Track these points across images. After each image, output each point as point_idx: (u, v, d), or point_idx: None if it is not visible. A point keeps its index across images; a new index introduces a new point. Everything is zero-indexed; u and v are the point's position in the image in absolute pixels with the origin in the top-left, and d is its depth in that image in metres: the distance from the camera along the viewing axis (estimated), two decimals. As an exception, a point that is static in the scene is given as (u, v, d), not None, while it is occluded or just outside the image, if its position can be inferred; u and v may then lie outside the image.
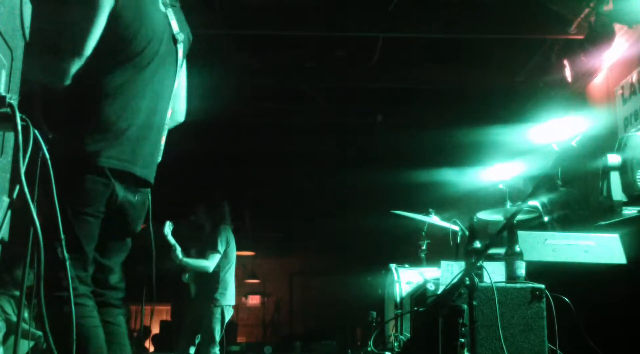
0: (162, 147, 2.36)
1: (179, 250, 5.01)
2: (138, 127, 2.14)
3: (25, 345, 4.01)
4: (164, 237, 4.91)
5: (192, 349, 5.15)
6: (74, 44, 2.00)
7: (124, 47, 2.11)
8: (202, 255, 5.16)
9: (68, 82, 2.00)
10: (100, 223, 2.12)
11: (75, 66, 2.00)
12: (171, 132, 2.44)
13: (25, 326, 4.21)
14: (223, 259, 5.19)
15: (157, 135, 2.29)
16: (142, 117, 2.16)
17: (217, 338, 5.11)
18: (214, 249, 5.10)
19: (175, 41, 2.33)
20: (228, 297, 5.24)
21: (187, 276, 5.33)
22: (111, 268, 2.25)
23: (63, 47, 1.99)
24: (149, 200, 2.33)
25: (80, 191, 2.03)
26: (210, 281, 5.17)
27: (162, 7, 2.27)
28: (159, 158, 2.35)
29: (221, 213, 5.37)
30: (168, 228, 4.97)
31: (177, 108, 2.49)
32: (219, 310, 5.14)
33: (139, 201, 2.25)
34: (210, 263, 5.08)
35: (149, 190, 2.30)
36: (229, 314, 5.25)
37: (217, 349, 5.10)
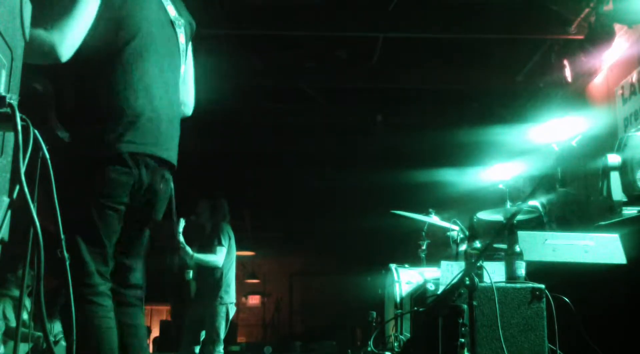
0: (179, 133, 2.31)
1: (188, 247, 5.03)
2: (151, 111, 2.11)
3: (24, 347, 4.01)
4: (177, 234, 4.92)
5: (196, 348, 5.15)
6: (67, 6, 1.94)
7: (119, 30, 2.08)
8: (204, 252, 5.17)
9: (67, 54, 1.91)
10: (122, 216, 2.08)
11: (71, 31, 1.92)
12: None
13: (25, 329, 4.21)
14: (225, 256, 5.20)
15: (175, 120, 2.26)
16: (154, 100, 2.13)
17: (222, 336, 5.11)
18: (220, 243, 5.13)
19: (173, 26, 2.31)
20: (231, 295, 5.26)
21: (191, 273, 5.33)
22: (131, 266, 2.20)
23: (56, 14, 1.91)
24: (172, 186, 2.28)
25: (102, 182, 1.99)
26: (214, 279, 5.18)
27: None
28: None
29: (222, 212, 5.39)
30: (181, 225, 4.99)
31: (184, 99, 2.46)
32: (224, 308, 5.15)
33: (163, 188, 2.20)
34: (219, 257, 5.12)
35: (169, 174, 2.24)
36: (232, 312, 5.27)
37: (221, 348, 5.10)
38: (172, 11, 2.33)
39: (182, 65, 2.36)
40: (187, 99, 2.51)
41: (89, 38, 2.00)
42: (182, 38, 2.35)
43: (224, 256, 5.15)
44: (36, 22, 1.54)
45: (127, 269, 2.19)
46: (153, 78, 2.15)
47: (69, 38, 1.92)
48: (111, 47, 2.08)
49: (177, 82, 2.32)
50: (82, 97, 2.07)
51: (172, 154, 2.22)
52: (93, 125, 2.02)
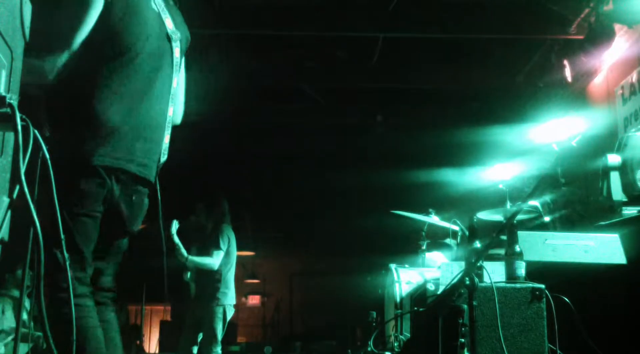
0: (165, 146, 2.33)
1: (182, 249, 5.02)
2: (133, 125, 2.12)
3: (24, 347, 4.00)
4: (170, 236, 4.91)
5: (194, 349, 5.14)
6: (64, 38, 1.99)
7: (113, 44, 2.10)
8: (204, 253, 5.16)
9: (54, 76, 1.98)
10: (98, 223, 2.11)
11: (63, 60, 1.99)
12: (173, 131, 2.42)
13: (24, 329, 4.21)
14: (225, 258, 5.19)
15: (157, 134, 2.27)
16: (138, 114, 2.14)
17: (220, 337, 5.11)
18: (217, 247, 5.12)
19: (169, 39, 2.31)
20: (230, 296, 5.25)
21: (188, 275, 5.33)
22: (101, 269, 2.23)
23: (53, 43, 1.97)
24: (159, 197, 2.30)
25: (75, 192, 2.02)
26: (212, 281, 5.18)
27: (154, 6, 2.26)
28: (164, 157, 2.33)
29: (222, 212, 5.37)
30: (174, 227, 4.98)
31: (175, 109, 2.46)
32: (221, 309, 5.14)
33: (136, 200, 2.22)
34: (215, 261, 5.10)
35: (147, 190, 2.28)
36: (230, 313, 5.26)
37: (219, 349, 5.10)
38: (169, 24, 2.32)
39: (174, 79, 2.36)
40: (179, 110, 2.52)
41: (82, 48, 2.03)
42: (177, 52, 2.35)
43: (220, 260, 5.13)
44: (30, 50, 1.55)
45: (97, 272, 2.22)
46: (139, 94, 2.15)
47: (60, 67, 1.99)
48: (101, 60, 2.10)
49: (167, 98, 2.32)
50: (67, 105, 2.09)
51: (147, 170, 2.22)
52: (71, 133, 2.05)
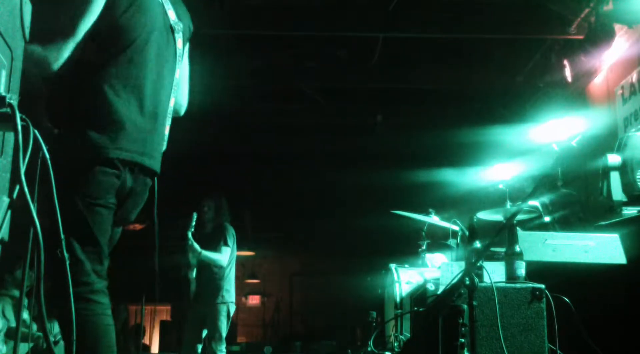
0: (165, 136, 2.34)
1: (196, 244, 5.02)
2: (142, 117, 2.14)
3: (24, 347, 4.01)
4: (186, 230, 4.93)
5: (199, 347, 5.15)
6: (67, 26, 1.98)
7: (120, 35, 2.09)
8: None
9: (58, 66, 1.97)
10: (112, 214, 2.11)
11: (68, 50, 1.97)
12: (171, 129, 2.41)
13: (25, 329, 4.21)
14: (229, 256, 5.21)
15: (161, 124, 2.28)
16: (145, 106, 2.15)
17: (224, 335, 5.12)
18: (226, 243, 5.15)
19: (172, 30, 2.31)
20: (232, 294, 5.28)
21: (194, 273, 5.32)
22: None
23: (56, 32, 1.96)
24: (156, 190, 2.30)
25: (92, 183, 2.02)
26: (215, 278, 5.19)
27: None
28: (164, 147, 2.33)
29: (226, 212, 5.41)
30: (193, 221, 4.99)
31: (178, 99, 2.47)
32: (225, 307, 5.16)
33: (140, 191, 2.23)
34: (225, 257, 5.13)
35: (150, 182, 2.27)
36: (232, 310, 5.28)
37: (223, 347, 5.10)
38: (172, 15, 2.33)
39: (177, 70, 2.37)
40: (182, 100, 2.52)
41: (87, 41, 2.01)
42: (179, 43, 2.36)
43: (228, 256, 5.17)
44: (32, 37, 1.54)
45: None
46: (145, 86, 2.16)
47: (64, 56, 1.97)
48: (107, 53, 2.09)
49: (170, 89, 2.33)
50: (75, 99, 2.09)
51: (155, 162, 2.24)
52: (84, 128, 2.04)
